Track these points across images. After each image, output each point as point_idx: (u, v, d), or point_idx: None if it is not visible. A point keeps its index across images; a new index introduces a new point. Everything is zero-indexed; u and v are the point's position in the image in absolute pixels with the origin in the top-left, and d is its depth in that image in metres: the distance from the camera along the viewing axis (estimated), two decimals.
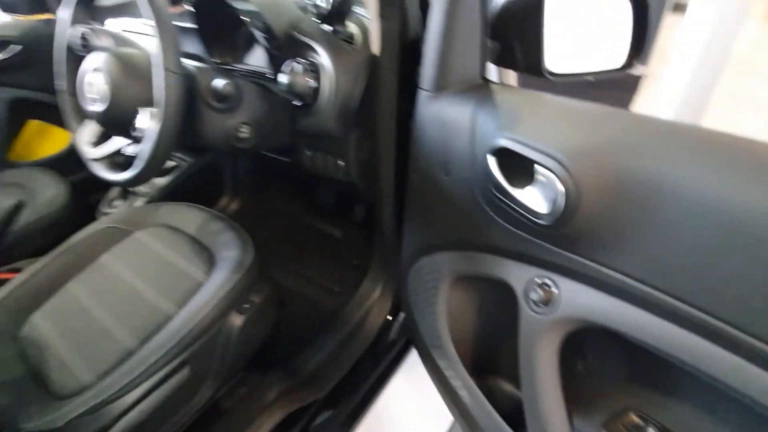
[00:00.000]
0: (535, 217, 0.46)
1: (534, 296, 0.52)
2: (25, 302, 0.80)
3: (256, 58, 0.96)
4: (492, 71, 0.68)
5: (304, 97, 0.77)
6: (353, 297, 1.08)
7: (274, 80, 0.84)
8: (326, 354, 0.98)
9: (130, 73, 0.68)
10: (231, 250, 0.84)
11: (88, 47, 0.73)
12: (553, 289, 0.51)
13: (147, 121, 0.65)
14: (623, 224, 0.43)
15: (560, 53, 0.61)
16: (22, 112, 1.37)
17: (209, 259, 0.84)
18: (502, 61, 0.64)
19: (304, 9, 0.87)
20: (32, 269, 0.85)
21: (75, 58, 0.76)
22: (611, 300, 0.45)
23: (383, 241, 1.00)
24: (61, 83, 0.77)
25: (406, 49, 0.74)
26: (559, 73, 0.60)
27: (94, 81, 0.68)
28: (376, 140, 0.83)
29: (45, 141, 1.46)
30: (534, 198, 0.46)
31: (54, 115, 1.45)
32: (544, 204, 0.45)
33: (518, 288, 0.54)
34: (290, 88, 0.76)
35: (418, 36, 0.74)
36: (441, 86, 0.63)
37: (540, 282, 0.52)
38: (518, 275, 0.53)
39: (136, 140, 0.70)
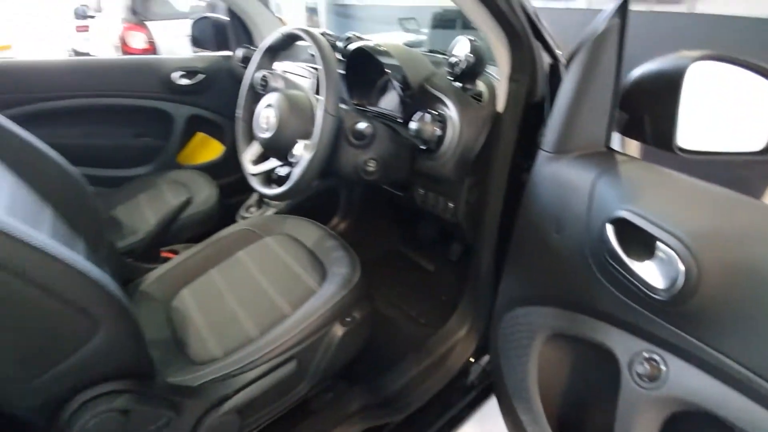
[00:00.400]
0: (651, 292, 0.47)
1: (640, 369, 0.52)
2: (178, 279, 0.99)
3: (387, 102, 1.09)
4: (615, 140, 0.69)
5: (428, 143, 0.86)
6: (439, 330, 1.12)
7: (403, 124, 0.95)
8: (408, 380, 1.02)
9: (294, 110, 0.84)
10: (341, 267, 0.95)
11: (266, 87, 0.91)
12: (662, 366, 0.50)
13: (301, 150, 0.80)
14: (741, 311, 0.42)
15: (694, 130, 0.61)
16: (193, 125, 1.70)
17: (322, 272, 0.95)
18: (629, 132, 0.66)
19: (438, 64, 0.98)
20: (186, 254, 1.05)
21: (254, 94, 0.96)
22: (721, 386, 0.43)
23: (477, 283, 1.03)
24: (239, 112, 0.97)
25: (529, 110, 0.80)
26: (690, 149, 0.60)
27: (267, 114, 0.85)
28: (488, 188, 0.88)
29: (204, 150, 1.79)
30: (651, 272, 0.47)
31: (215, 130, 1.78)
32: (662, 280, 0.46)
33: (623, 358, 0.54)
34: (418, 134, 0.86)
35: (542, 99, 0.79)
36: (562, 149, 0.67)
37: (648, 356, 0.51)
38: (624, 345, 0.53)
39: (290, 164, 0.86)
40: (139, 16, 3.19)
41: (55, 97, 1.41)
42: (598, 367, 0.62)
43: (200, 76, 1.63)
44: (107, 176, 1.55)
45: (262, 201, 1.36)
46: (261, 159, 0.95)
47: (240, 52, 1.60)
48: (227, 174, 1.68)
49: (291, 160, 0.82)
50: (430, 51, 1.23)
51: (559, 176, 0.66)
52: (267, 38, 0.92)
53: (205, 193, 1.37)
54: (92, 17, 3.91)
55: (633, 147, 0.77)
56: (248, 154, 0.96)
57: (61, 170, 0.83)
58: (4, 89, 1.32)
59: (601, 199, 0.56)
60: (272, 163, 0.92)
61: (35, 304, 0.48)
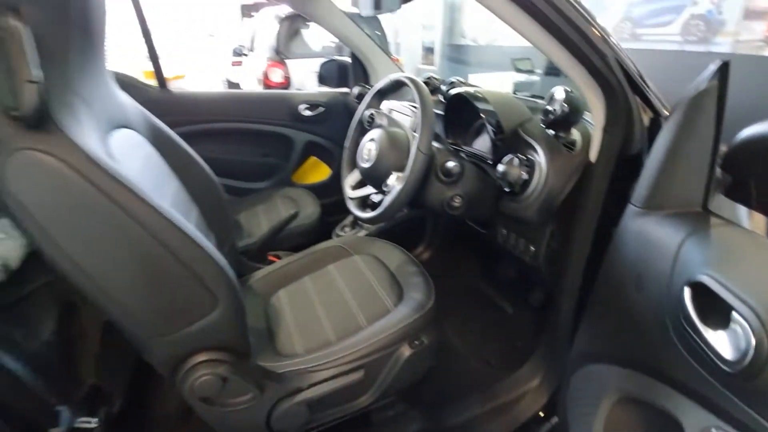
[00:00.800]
0: (722, 363, 0.44)
1: None
2: (278, 280, 1.14)
3: (481, 144, 1.15)
4: (723, 203, 0.65)
5: (513, 185, 0.89)
6: (510, 376, 1.10)
7: (492, 166, 1.00)
8: (470, 418, 1.02)
9: (392, 146, 0.95)
10: (417, 293, 1.01)
11: (372, 123, 1.04)
12: None
13: (394, 181, 0.89)
14: None
15: None
16: (309, 150, 1.95)
17: (399, 294, 1.02)
18: (732, 195, 0.62)
19: (538, 111, 1.01)
20: (287, 260, 1.21)
21: (361, 128, 1.10)
22: None
23: (555, 334, 1.00)
24: (347, 143, 1.12)
25: (623, 162, 0.79)
26: None
27: (370, 147, 0.97)
28: (573, 237, 0.87)
29: (314, 172, 2.03)
30: (723, 342, 0.44)
31: (326, 156, 2.01)
32: (732, 351, 0.43)
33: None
34: (504, 176, 0.90)
35: (638, 153, 0.77)
36: (653, 205, 0.65)
37: None
38: (694, 418, 0.49)
39: (383, 192, 0.96)
40: (281, 54, 3.77)
41: (210, 120, 1.76)
42: None
43: (320, 109, 1.88)
44: (236, 187, 1.85)
45: (357, 223, 1.50)
46: (359, 185, 1.08)
47: (356, 90, 1.81)
48: (330, 195, 1.87)
49: (384, 189, 0.92)
50: (533, 96, 1.26)
51: (646, 233, 0.64)
52: (379, 82, 1.05)
53: (309, 210, 1.56)
54: (245, 55, 4.71)
55: (744, 212, 0.71)
56: (349, 180, 1.09)
57: (208, 179, 1.05)
58: (176, 113, 1.70)
59: (685, 260, 0.54)
60: (368, 189, 1.03)
61: (179, 275, 0.64)
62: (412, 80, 0.92)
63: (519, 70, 5.46)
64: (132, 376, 0.99)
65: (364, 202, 1.04)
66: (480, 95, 1.03)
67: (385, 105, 1.46)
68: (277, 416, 0.82)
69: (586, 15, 0.66)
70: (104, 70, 0.75)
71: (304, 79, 3.83)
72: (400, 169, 0.93)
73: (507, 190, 0.92)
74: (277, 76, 3.74)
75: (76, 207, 0.56)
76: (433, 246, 1.61)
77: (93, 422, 0.73)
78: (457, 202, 0.96)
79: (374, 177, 0.97)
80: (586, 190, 0.83)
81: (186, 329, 0.68)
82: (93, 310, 0.94)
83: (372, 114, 1.05)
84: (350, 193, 1.07)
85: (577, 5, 0.65)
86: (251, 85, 4.42)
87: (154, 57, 1.68)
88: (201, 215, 0.96)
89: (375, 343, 0.89)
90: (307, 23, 4.12)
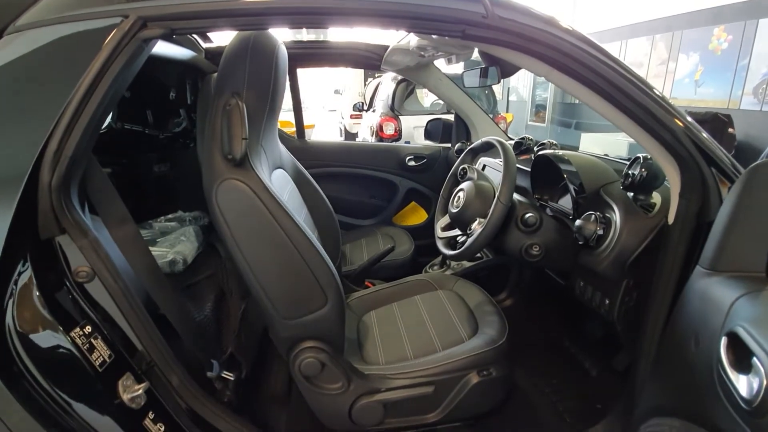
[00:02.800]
0: (741, 401, 0.48)
1: None
2: (370, 303, 1.34)
3: (565, 201, 1.24)
4: None
5: (588, 239, 0.97)
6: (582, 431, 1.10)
7: (572, 220, 1.09)
8: None
9: (478, 196, 1.11)
10: (491, 329, 1.11)
11: (464, 176, 1.22)
12: None
13: (476, 226, 1.05)
14: None
15: None
16: (410, 195, 2.20)
17: (474, 328, 1.13)
18: None
19: (619, 172, 1.09)
20: (380, 287, 1.40)
21: (455, 180, 1.29)
22: None
23: (632, 393, 1.00)
24: (443, 192, 1.31)
25: (699, 227, 0.83)
26: None
27: (459, 195, 1.15)
28: (650, 296, 0.91)
29: (413, 215, 2.25)
30: (744, 383, 0.49)
31: (424, 201, 2.23)
32: (747, 390, 0.47)
33: None
34: (580, 230, 0.98)
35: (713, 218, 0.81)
36: (717, 267, 0.69)
37: None
38: None
39: (467, 235, 1.12)
40: (395, 111, 4.24)
41: (333, 165, 2.13)
42: None
43: (424, 160, 2.12)
44: (346, 222, 2.16)
45: (445, 263, 1.65)
46: (448, 228, 1.25)
47: (457, 146, 2.02)
48: (425, 237, 2.06)
49: (468, 232, 1.07)
50: (624, 159, 1.31)
51: (707, 292, 0.69)
52: (475, 142, 1.24)
53: (405, 247, 1.76)
54: (365, 111, 5.37)
55: None
56: (440, 223, 1.27)
57: (329, 212, 1.33)
58: (309, 157, 2.10)
59: (732, 316, 0.59)
60: (455, 232, 1.19)
61: (305, 276, 0.87)
62: (499, 142, 1.09)
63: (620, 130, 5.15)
64: (256, 353, 1.26)
65: (450, 242, 1.20)
66: (565, 157, 1.14)
67: (481, 161, 1.63)
68: (358, 409, 0.98)
69: (653, 94, 0.77)
70: (276, 127, 1.08)
71: (413, 133, 4.22)
72: (483, 215, 1.08)
73: (581, 243, 1.00)
74: (389, 129, 4.20)
75: (254, 220, 0.83)
76: (515, 294, 1.67)
77: (231, 376, 0.99)
78: (535, 250, 1.07)
79: (461, 221, 1.13)
80: (663, 250, 0.88)
81: (304, 317, 0.90)
82: (237, 299, 1.24)
83: (465, 168, 1.23)
84: (440, 233, 1.24)
85: (642, 86, 0.76)
86: (366, 136, 4.99)
87: (299, 118, 2.12)
88: (319, 238, 1.22)
89: (446, 364, 1.01)
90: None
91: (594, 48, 0.76)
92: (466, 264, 1.61)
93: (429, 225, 2.20)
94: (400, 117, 4.20)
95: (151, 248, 1.17)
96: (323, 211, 1.30)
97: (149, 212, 1.50)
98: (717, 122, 3.96)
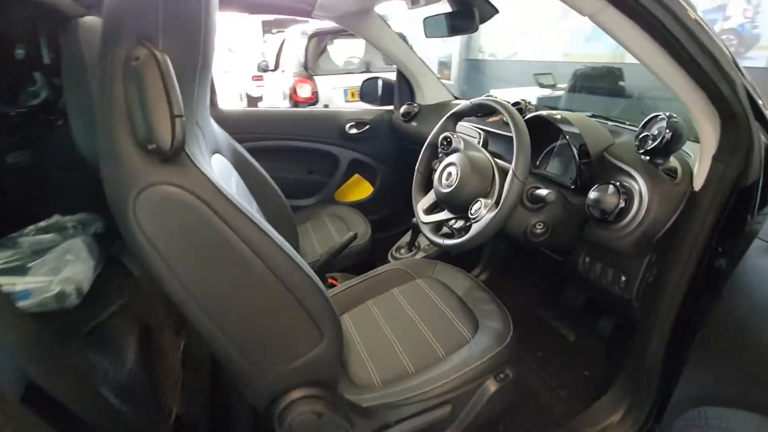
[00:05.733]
0: None
1: None
2: (340, 305, 1.11)
3: (554, 168, 1.12)
4: None
5: (607, 214, 0.85)
6: (587, 410, 1.04)
7: (575, 191, 0.97)
8: None
9: (475, 170, 0.92)
10: (494, 322, 0.97)
11: (448, 147, 1.02)
12: None
13: (482, 208, 0.86)
14: None
15: None
16: (353, 167, 1.94)
17: (474, 322, 0.98)
18: None
19: (615, 134, 0.98)
20: (348, 283, 1.18)
21: (433, 151, 1.08)
22: None
23: (641, 367, 0.95)
24: (419, 166, 1.10)
25: (734, 193, 0.75)
26: None
27: (450, 171, 0.95)
28: (671, 269, 0.83)
29: (357, 189, 2.01)
30: None
31: (369, 173, 1.99)
32: None
33: None
34: (597, 204, 0.86)
35: (752, 183, 0.74)
36: None
37: None
38: None
39: (465, 218, 0.93)
40: (309, 71, 3.80)
41: (258, 138, 1.76)
42: None
43: (366, 127, 1.87)
44: None
45: (413, 244, 1.47)
46: (432, 209, 1.05)
47: (403, 108, 1.80)
48: (374, 212, 1.85)
49: (471, 215, 0.89)
50: (604, 118, 1.23)
51: None
52: (460, 105, 1.03)
53: (361, 230, 1.53)
54: (272, 71, 4.77)
55: None
56: (421, 204, 1.06)
57: (282, 203, 1.04)
58: (230, 130, 1.70)
59: None
60: (444, 215, 1.00)
61: (288, 306, 0.61)
62: (503, 105, 0.90)
63: (542, 85, 5.45)
64: (214, 407, 0.96)
65: (439, 228, 1.01)
66: (562, 117, 1.00)
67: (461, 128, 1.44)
68: None
69: (717, 40, 0.64)
70: (208, 93, 0.74)
71: (331, 95, 3.86)
72: (484, 194, 0.90)
73: (597, 216, 0.88)
74: (305, 91, 3.77)
75: (202, 237, 0.54)
76: (490, 269, 1.57)
77: None
78: (539, 228, 0.93)
79: (455, 203, 0.94)
80: (692, 221, 0.79)
81: (291, 364, 0.65)
82: (170, 335, 0.91)
83: (448, 137, 1.03)
84: (423, 217, 1.04)
85: (709, 30, 0.63)
86: (275, 101, 4.46)
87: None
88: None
89: (461, 376, 0.85)
90: (333, 40, 4.16)
91: None
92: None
93: (376, 198, 1.98)
94: (315, 77, 3.79)
95: (21, 279, 0.79)
96: (275, 202, 1.01)
97: (9, 222, 1.04)
98: (610, 76, 4.28)
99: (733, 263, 0.78)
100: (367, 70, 4.03)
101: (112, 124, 0.51)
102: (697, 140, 0.86)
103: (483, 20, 1.06)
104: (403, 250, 1.48)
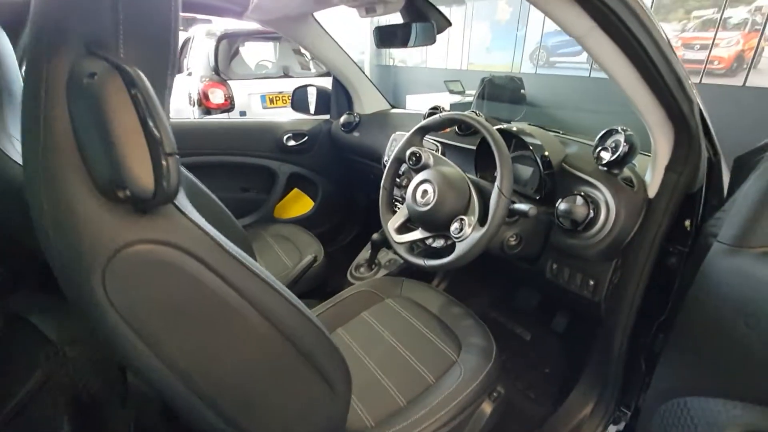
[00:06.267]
0: None
1: None
2: None
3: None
4: None
5: (577, 223, 0.90)
6: (559, 409, 1.09)
7: (538, 201, 1.00)
8: None
9: (452, 188, 0.90)
10: (475, 338, 0.96)
11: (417, 162, 0.98)
12: None
13: (466, 228, 0.84)
14: None
15: None
16: (292, 182, 1.81)
17: (456, 341, 0.97)
18: None
19: (564, 144, 1.03)
20: (312, 310, 1.08)
21: (398, 166, 1.04)
22: None
23: (607, 362, 1.02)
24: (384, 182, 1.04)
25: (684, 199, 0.84)
26: None
27: (425, 189, 0.91)
28: (631, 271, 0.90)
29: (297, 204, 1.88)
30: None
31: (309, 187, 1.88)
32: None
33: None
34: (567, 214, 0.90)
35: (698, 190, 0.83)
36: (745, 243, 0.69)
37: None
38: None
39: (444, 237, 0.91)
40: (222, 75, 3.50)
41: (190, 153, 1.55)
42: None
43: (305, 138, 1.76)
44: None
45: (372, 262, 1.41)
46: (404, 228, 1.01)
47: (343, 118, 1.73)
48: (316, 227, 1.75)
49: (453, 234, 0.86)
50: (540, 127, 1.30)
51: (747, 271, 0.67)
52: (428, 119, 1.00)
53: (313, 249, 1.43)
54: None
55: None
56: (392, 223, 1.01)
57: (238, 230, 0.91)
58: None
59: None
60: (419, 233, 0.96)
61: (292, 362, 0.51)
62: (478, 121, 0.89)
63: (452, 91, 5.73)
64: None
65: (415, 248, 0.97)
66: (520, 129, 1.03)
67: (398, 136, 1.41)
68: None
69: (681, 64, 0.69)
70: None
71: (249, 101, 3.60)
72: (464, 212, 0.89)
73: (565, 227, 0.92)
74: (217, 97, 3.46)
75: (196, 303, 0.43)
76: (448, 277, 1.57)
77: None
78: (513, 241, 0.95)
79: (434, 222, 0.91)
80: (647, 226, 0.87)
81: (298, 428, 0.56)
82: (115, 407, 0.73)
83: (416, 152, 0.99)
84: (397, 237, 0.99)
85: (675, 54, 0.68)
86: (180, 106, 4.05)
87: None
88: None
89: (458, 404, 0.82)
90: (245, 43, 3.90)
91: (639, 5, 0.62)
92: (399, 258, 1.41)
93: (319, 212, 1.88)
94: (229, 82, 3.50)
95: None
96: (227, 225, 0.88)
97: None
98: (512, 84, 4.66)
99: (683, 261, 0.87)
100: (286, 75, 3.86)
101: (56, 164, 0.38)
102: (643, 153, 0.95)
103: (438, 32, 1.05)
104: (362, 269, 1.41)
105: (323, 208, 1.89)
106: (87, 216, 0.37)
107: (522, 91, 4.88)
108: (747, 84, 3.08)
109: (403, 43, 1.05)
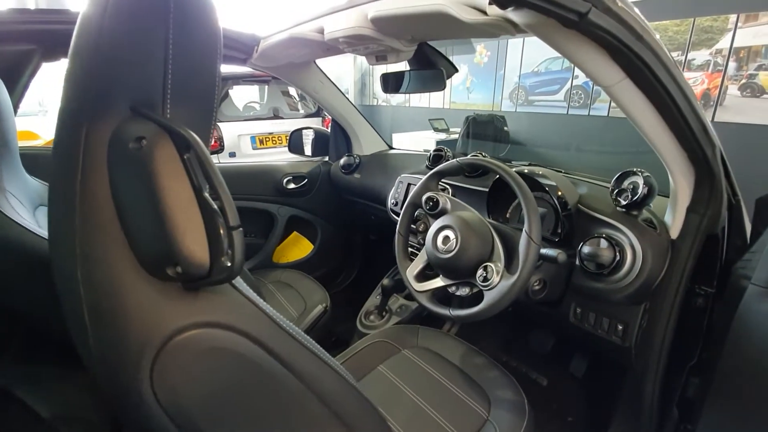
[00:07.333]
0: None
1: None
2: None
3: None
4: None
5: (603, 266, 0.88)
6: None
7: (556, 243, 0.98)
8: None
9: (473, 234, 0.88)
10: (504, 391, 0.91)
11: (435, 208, 0.96)
12: None
13: (494, 276, 0.81)
14: None
15: None
16: (291, 225, 1.76)
17: (484, 396, 0.91)
18: None
19: (575, 185, 1.03)
20: None
21: (413, 211, 1.01)
22: None
23: (639, 410, 0.97)
24: (400, 228, 1.01)
25: (706, 240, 0.83)
26: None
27: (447, 235, 0.89)
28: (659, 315, 0.88)
29: (295, 249, 1.83)
30: None
31: (308, 230, 1.83)
32: None
33: None
34: (592, 258, 0.88)
35: (720, 231, 0.83)
36: None
37: None
38: None
39: (469, 285, 0.87)
40: None
41: None
42: None
43: (304, 181, 1.73)
44: None
45: (383, 309, 1.35)
46: (424, 276, 0.97)
47: (343, 160, 1.72)
48: (315, 270, 1.69)
49: (480, 283, 0.83)
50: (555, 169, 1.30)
51: None
52: (445, 164, 0.99)
53: (317, 296, 1.36)
54: None
55: None
56: (410, 271, 0.98)
57: None
58: None
59: None
60: (440, 281, 0.93)
61: (316, 414, 0.45)
62: (498, 166, 0.88)
63: (436, 129, 5.87)
64: None
65: (438, 296, 0.93)
66: (531, 170, 1.03)
67: (405, 178, 1.40)
68: None
69: (702, 109, 0.71)
70: None
71: (238, 142, 3.60)
72: (488, 259, 0.86)
73: (592, 270, 0.90)
74: None
75: (251, 389, 0.38)
76: (456, 323, 1.52)
77: None
78: (537, 286, 0.92)
79: (458, 270, 0.87)
80: (673, 267, 0.85)
81: None
82: None
83: (433, 197, 0.97)
84: (417, 286, 0.95)
85: (697, 100, 0.69)
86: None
87: None
88: None
89: None
90: (234, 86, 3.95)
91: (668, 57, 0.63)
92: (411, 304, 1.36)
93: (316, 256, 1.83)
94: (219, 124, 3.50)
95: None
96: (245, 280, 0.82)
97: None
98: (496, 122, 4.82)
99: (710, 301, 0.85)
100: (276, 116, 3.89)
101: (95, 239, 0.33)
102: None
103: (447, 78, 1.07)
104: (372, 317, 1.35)
105: (322, 250, 1.84)
106: (134, 301, 0.32)
107: (505, 128, 5.05)
108: (715, 120, 3.27)
109: (413, 90, 1.05)
